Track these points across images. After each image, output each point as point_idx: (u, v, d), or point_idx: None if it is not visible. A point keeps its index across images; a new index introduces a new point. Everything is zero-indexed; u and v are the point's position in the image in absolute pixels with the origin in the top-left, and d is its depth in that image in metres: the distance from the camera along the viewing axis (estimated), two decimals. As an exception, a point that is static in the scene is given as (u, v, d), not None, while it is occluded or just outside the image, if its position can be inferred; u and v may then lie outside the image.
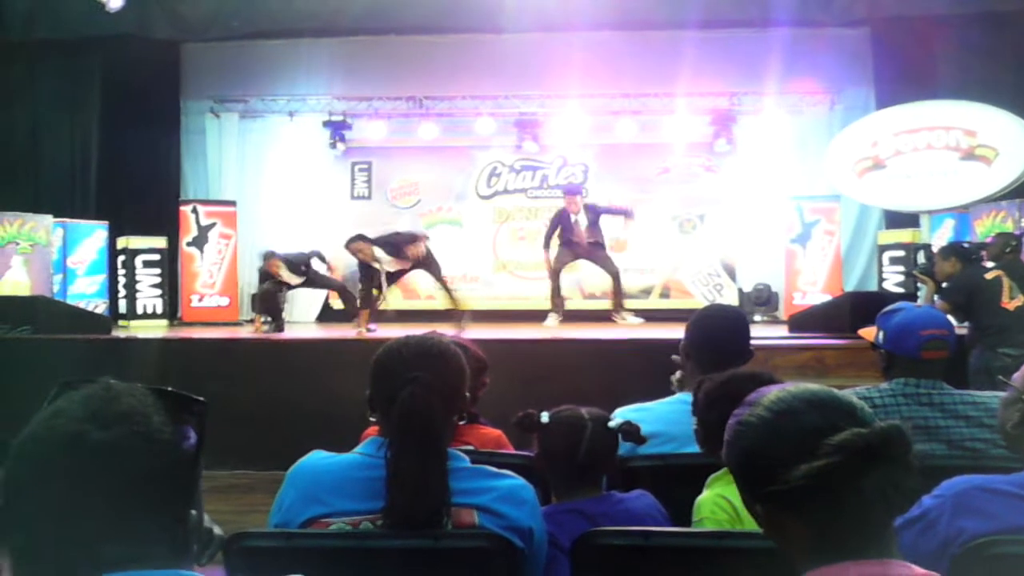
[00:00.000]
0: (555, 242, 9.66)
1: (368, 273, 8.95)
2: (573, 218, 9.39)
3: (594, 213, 9.47)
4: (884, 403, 2.69)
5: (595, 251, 9.56)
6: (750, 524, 2.02)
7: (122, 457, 1.12)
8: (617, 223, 9.84)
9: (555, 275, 9.64)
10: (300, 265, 9.61)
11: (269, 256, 9.56)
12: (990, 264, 6.74)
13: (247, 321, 11.53)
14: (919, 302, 7.16)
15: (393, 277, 9.09)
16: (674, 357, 3.08)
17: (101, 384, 1.20)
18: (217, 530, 1.35)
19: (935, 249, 7.97)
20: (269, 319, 9.48)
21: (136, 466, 1.13)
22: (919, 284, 7.76)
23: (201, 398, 1.24)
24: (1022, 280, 6.59)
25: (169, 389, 1.23)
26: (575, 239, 9.39)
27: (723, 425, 2.15)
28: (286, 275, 9.49)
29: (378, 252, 8.77)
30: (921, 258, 8.12)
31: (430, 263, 9.06)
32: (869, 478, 1.19)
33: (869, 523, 1.22)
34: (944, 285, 6.72)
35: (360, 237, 8.94)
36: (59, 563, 1.10)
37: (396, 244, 8.91)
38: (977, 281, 6.50)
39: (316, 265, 9.83)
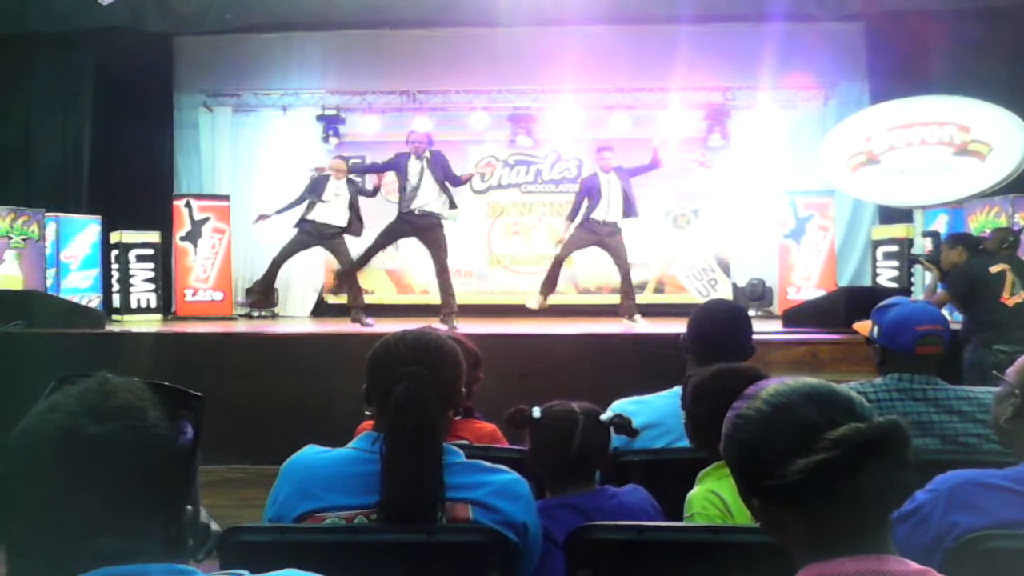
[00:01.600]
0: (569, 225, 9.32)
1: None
2: (604, 180, 8.94)
3: (626, 175, 9.01)
4: (878, 398, 2.69)
5: (612, 238, 9.06)
6: (741, 519, 2.04)
7: (117, 452, 1.12)
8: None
9: (559, 263, 9.14)
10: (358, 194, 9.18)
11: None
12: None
13: (241, 315, 11.53)
14: (918, 292, 7.16)
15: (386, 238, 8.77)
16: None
17: (97, 378, 1.19)
18: (214, 525, 1.35)
19: (943, 237, 7.95)
20: (260, 296, 9.38)
21: (131, 461, 1.12)
22: (913, 271, 7.73)
23: (198, 393, 1.24)
24: (1022, 275, 6.58)
25: (166, 384, 1.23)
26: (596, 219, 8.90)
27: (711, 419, 2.16)
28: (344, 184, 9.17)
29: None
30: (928, 245, 8.11)
31: (437, 243, 8.62)
32: (866, 473, 1.18)
33: (866, 518, 1.22)
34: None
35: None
36: (55, 557, 1.09)
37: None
38: (980, 273, 6.49)
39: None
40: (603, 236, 9.06)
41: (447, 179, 8.57)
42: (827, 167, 10.64)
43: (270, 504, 2.01)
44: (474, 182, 12.09)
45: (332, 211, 9.10)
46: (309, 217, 9.11)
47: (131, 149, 11.60)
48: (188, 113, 12.23)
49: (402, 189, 8.53)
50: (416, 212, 8.48)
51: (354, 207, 9.14)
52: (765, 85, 11.30)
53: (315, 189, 9.15)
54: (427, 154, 8.51)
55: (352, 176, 9.28)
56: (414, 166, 8.47)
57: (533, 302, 8.95)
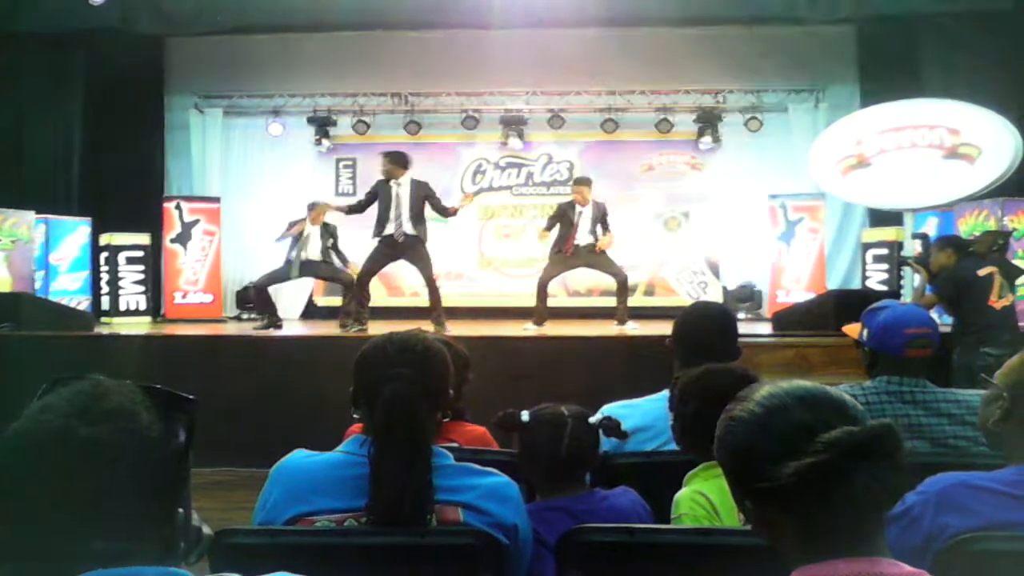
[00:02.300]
0: (547, 246, 9.35)
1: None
2: (578, 210, 8.99)
3: (600, 211, 9.06)
4: (868, 401, 2.70)
5: (594, 257, 9.10)
6: (728, 520, 2.04)
7: (109, 454, 1.12)
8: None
9: (543, 287, 9.08)
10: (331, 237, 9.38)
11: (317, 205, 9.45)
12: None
13: (231, 318, 11.49)
14: (907, 294, 7.16)
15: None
16: None
17: (90, 381, 1.19)
18: (206, 529, 1.34)
19: (932, 240, 7.96)
20: (265, 316, 9.29)
21: (123, 463, 1.12)
22: (903, 273, 7.71)
23: (191, 396, 1.24)
24: (1010, 278, 6.60)
25: (159, 386, 1.22)
26: (571, 245, 8.98)
27: (698, 419, 2.17)
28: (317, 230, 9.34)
29: None
30: (918, 247, 8.10)
31: (421, 258, 8.61)
32: (859, 476, 1.19)
33: (859, 521, 1.22)
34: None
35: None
36: (46, 559, 1.09)
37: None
38: (967, 276, 6.50)
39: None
40: (584, 257, 9.11)
41: (435, 209, 8.55)
42: (817, 170, 10.65)
43: (259, 508, 2.01)
44: (465, 184, 12.09)
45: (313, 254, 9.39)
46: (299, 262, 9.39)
47: (122, 151, 11.53)
48: (179, 115, 12.19)
49: (382, 213, 8.48)
50: (395, 236, 8.44)
51: (330, 250, 9.41)
52: (756, 87, 11.32)
53: (294, 246, 9.39)
54: (407, 179, 8.45)
55: (328, 223, 9.46)
56: (392, 190, 8.43)
57: (531, 328, 8.84)
